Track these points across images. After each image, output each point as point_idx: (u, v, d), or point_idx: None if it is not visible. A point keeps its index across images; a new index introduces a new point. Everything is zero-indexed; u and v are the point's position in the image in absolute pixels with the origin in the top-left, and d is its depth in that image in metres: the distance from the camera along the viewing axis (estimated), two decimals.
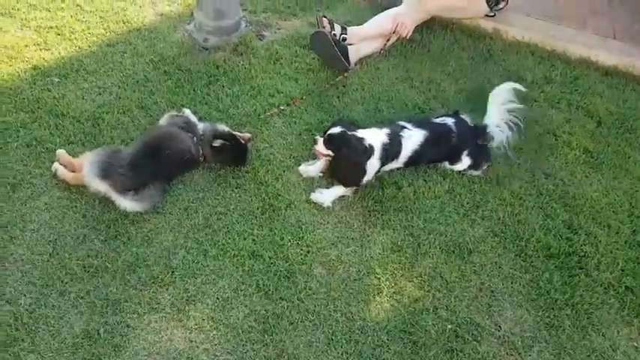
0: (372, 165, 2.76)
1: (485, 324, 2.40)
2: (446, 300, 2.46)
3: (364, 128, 2.84)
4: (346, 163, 2.74)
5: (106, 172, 2.54)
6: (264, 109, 3.18)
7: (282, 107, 3.18)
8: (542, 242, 2.71)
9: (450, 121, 2.98)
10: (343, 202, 2.78)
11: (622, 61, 3.79)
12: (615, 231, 2.82)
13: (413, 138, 2.85)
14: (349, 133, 2.73)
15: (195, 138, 2.80)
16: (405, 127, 2.87)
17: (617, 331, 2.44)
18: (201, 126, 2.89)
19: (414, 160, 2.90)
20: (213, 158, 2.83)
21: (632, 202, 2.97)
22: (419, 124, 2.92)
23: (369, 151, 2.72)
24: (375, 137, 2.77)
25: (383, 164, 2.80)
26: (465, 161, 2.94)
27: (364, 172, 2.74)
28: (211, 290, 2.38)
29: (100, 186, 2.55)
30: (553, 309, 2.48)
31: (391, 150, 2.79)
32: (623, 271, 2.64)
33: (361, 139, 2.73)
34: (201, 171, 2.84)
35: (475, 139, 2.97)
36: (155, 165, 2.64)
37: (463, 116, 3.05)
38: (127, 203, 2.55)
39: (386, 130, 2.82)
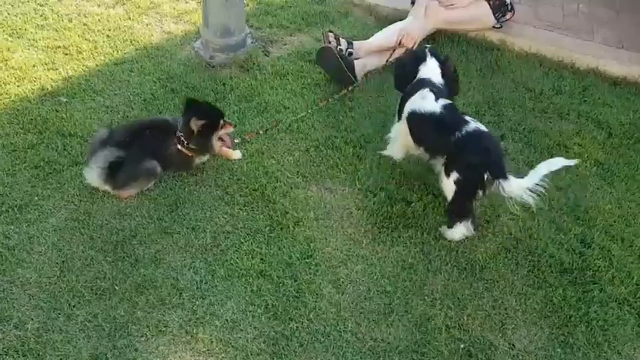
0: None
1: (499, 342, 2.36)
2: (458, 318, 2.42)
3: None
4: None
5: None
6: (270, 125, 3.17)
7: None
8: (555, 257, 2.66)
9: None
10: (352, 218, 2.76)
11: (631, 70, 3.75)
12: (629, 244, 2.76)
13: None
14: None
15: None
16: None
17: (633, 348, 2.38)
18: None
19: None
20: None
21: None
22: None
23: None
24: None
25: None
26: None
27: None
28: (220, 311, 2.35)
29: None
30: (567, 326, 2.43)
31: None
32: (638, 285, 2.58)
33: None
34: (208, 189, 2.82)
35: None
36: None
37: None
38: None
39: None
